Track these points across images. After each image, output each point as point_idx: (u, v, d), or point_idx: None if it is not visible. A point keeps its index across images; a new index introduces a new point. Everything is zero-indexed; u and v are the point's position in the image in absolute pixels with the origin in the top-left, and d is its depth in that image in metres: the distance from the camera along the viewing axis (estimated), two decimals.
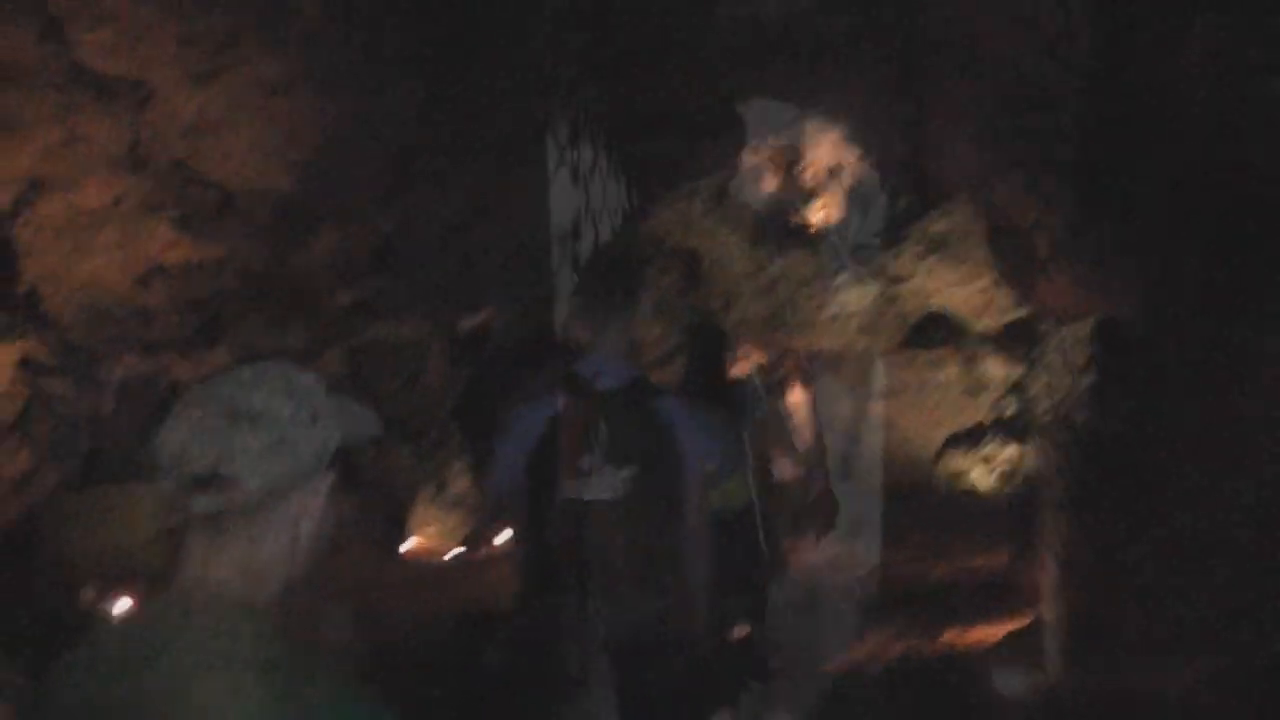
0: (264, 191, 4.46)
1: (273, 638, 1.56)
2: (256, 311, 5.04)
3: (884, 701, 5.97)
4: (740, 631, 5.15)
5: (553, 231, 6.09)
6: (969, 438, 8.48)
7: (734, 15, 5.47)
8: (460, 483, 8.61)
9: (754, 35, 5.63)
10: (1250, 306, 3.23)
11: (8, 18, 3.29)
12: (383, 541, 7.86)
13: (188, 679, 1.50)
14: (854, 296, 8.97)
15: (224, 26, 3.81)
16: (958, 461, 8.48)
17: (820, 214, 8.92)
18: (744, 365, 7.09)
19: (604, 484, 3.94)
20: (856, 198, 8.49)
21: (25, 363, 3.84)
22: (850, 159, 8.47)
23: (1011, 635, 5.99)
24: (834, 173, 8.59)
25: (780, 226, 9.03)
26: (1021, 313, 7.91)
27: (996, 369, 8.43)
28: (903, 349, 8.86)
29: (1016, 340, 8.18)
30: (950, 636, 6.50)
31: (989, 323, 8.43)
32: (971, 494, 8.34)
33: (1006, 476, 8.24)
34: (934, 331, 8.65)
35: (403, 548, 8.18)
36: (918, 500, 8.35)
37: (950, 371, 8.64)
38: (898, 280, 8.53)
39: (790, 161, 8.74)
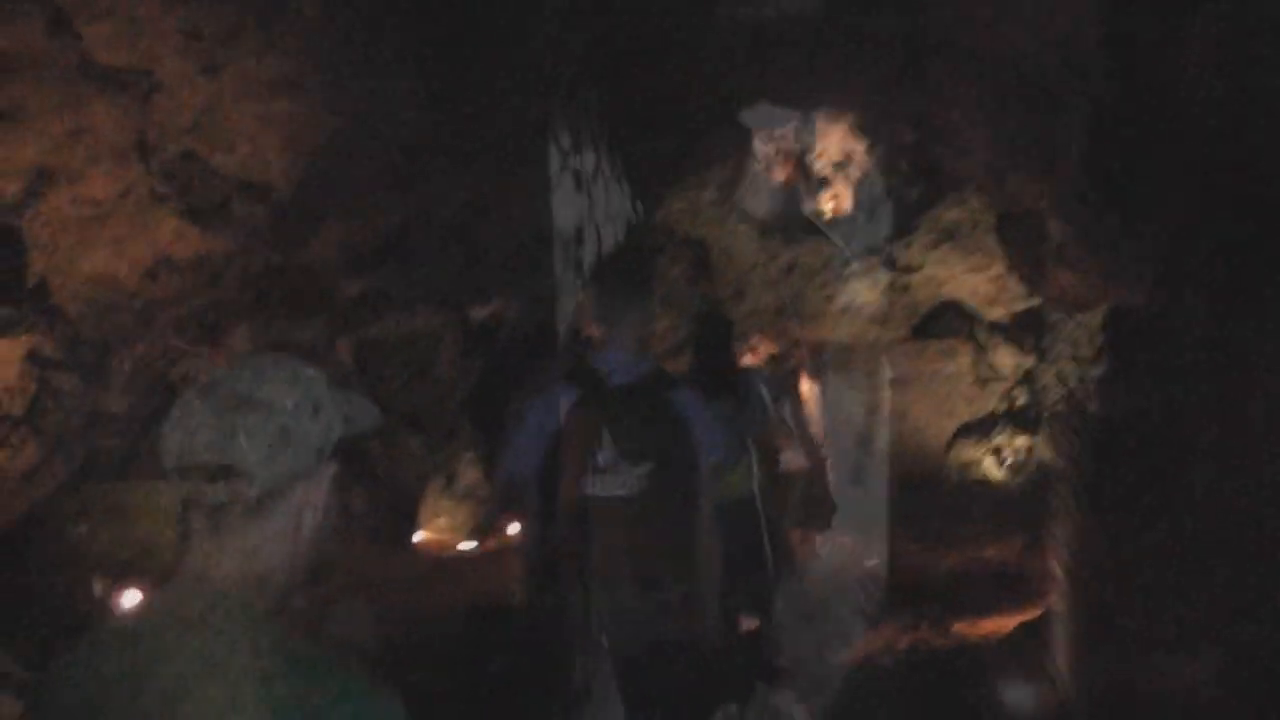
0: (271, 183, 4.45)
1: (278, 630, 1.56)
2: (265, 304, 5.04)
3: (894, 693, 5.96)
4: (749, 624, 5.14)
5: (558, 226, 6.08)
6: (980, 428, 8.47)
7: (734, 16, 5.47)
8: (470, 475, 8.61)
9: (754, 36, 5.62)
10: (1260, 296, 3.20)
11: (14, 9, 3.28)
12: (393, 534, 7.86)
13: (191, 673, 1.50)
14: (864, 287, 8.95)
15: (229, 19, 3.80)
16: (969, 451, 8.47)
17: (830, 204, 8.90)
18: (754, 356, 7.09)
19: (620, 481, 3.92)
20: (866, 188, 8.47)
21: (32, 356, 3.84)
22: (860, 149, 8.45)
23: (1022, 626, 5.98)
24: (844, 163, 8.56)
25: (790, 217, 9.02)
26: (1032, 302, 7.89)
27: (1007, 359, 8.40)
28: (913, 339, 8.84)
29: (1027, 330, 8.16)
30: (961, 628, 6.49)
31: (1000, 312, 8.41)
32: (983, 484, 8.33)
33: (1017, 466, 8.23)
34: (945, 321, 8.63)
35: (413, 539, 8.19)
36: (929, 490, 8.34)
37: (961, 361, 8.62)
38: (908, 270, 8.51)
39: (801, 152, 8.72)
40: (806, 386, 9.50)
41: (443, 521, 8.57)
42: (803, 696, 5.86)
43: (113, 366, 4.30)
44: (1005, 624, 6.29)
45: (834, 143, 8.58)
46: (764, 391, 5.29)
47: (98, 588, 4.23)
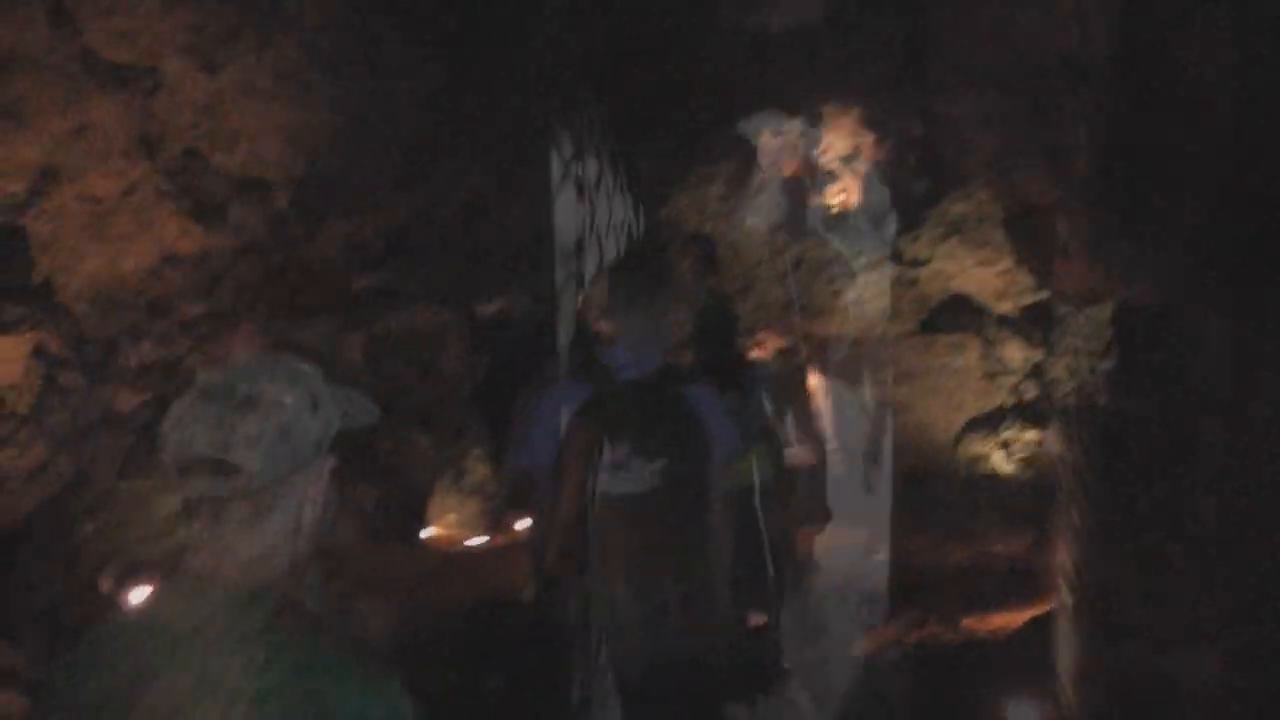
0: (274, 181, 4.46)
1: (283, 627, 1.57)
2: (271, 300, 5.04)
3: (902, 688, 5.95)
4: (757, 620, 5.13)
5: (561, 224, 6.06)
6: (989, 422, 8.44)
7: (736, 27, 5.48)
8: (479, 471, 8.61)
9: (755, 46, 5.64)
10: (1270, 292, 3.18)
11: (15, 4, 3.28)
12: (401, 530, 7.87)
13: (195, 671, 1.50)
14: (872, 281, 8.93)
15: (231, 17, 3.80)
16: (978, 446, 8.44)
17: (838, 198, 8.88)
18: (762, 351, 7.07)
19: (633, 477, 3.92)
20: (873, 182, 8.44)
21: (38, 354, 3.84)
22: (868, 143, 8.42)
23: (1031, 621, 5.96)
24: (851, 157, 8.54)
25: (797, 211, 9.00)
26: (1041, 296, 7.86)
27: (1016, 353, 8.37)
28: (921, 333, 8.81)
29: (1036, 324, 8.13)
30: (970, 623, 6.47)
31: (1008, 306, 8.37)
32: (991, 478, 8.30)
33: (1027, 461, 8.20)
34: (953, 315, 8.59)
35: (421, 535, 8.19)
36: (937, 484, 8.32)
37: (970, 355, 8.58)
38: (916, 264, 8.47)
39: (808, 146, 8.70)
40: (814, 381, 9.48)
41: (451, 518, 8.56)
42: (810, 693, 5.85)
43: (118, 364, 4.30)
44: (1014, 619, 6.27)
45: (841, 137, 8.55)
46: (768, 386, 5.28)
47: (105, 585, 4.23)
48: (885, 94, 6.19)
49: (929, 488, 8.22)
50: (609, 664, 4.31)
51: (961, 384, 8.56)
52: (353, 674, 1.55)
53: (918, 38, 5.09)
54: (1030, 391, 8.31)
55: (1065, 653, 4.86)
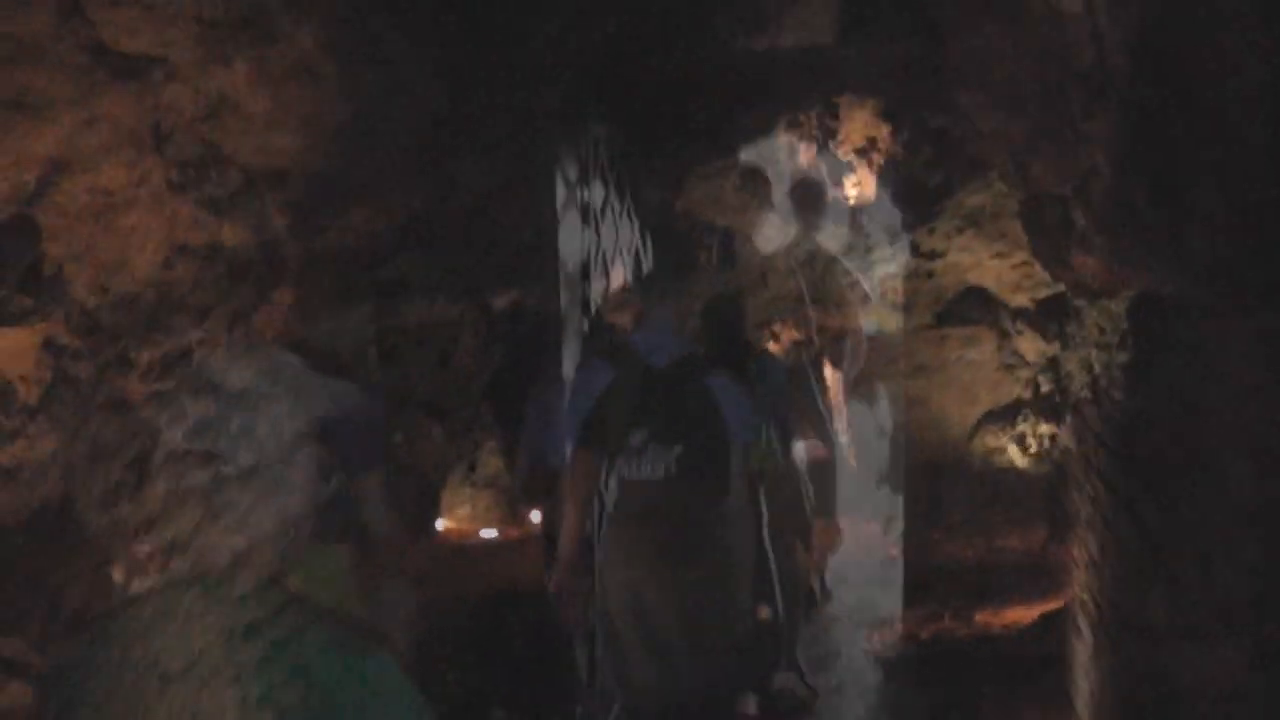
0: (287, 172, 4.45)
1: (282, 616, 1.58)
2: (283, 292, 5.04)
3: (917, 681, 5.94)
4: (763, 613, 5.14)
5: (564, 218, 6.04)
6: (1004, 415, 8.41)
7: (743, 49, 5.49)
8: (492, 464, 8.62)
9: (766, 67, 5.64)
10: None
11: None
12: (415, 522, 7.88)
13: (195, 659, 1.52)
14: (887, 274, 8.91)
15: (243, 5, 3.78)
16: (992, 439, 8.41)
17: (854, 190, 8.87)
18: (777, 344, 7.07)
19: (652, 463, 3.98)
20: (889, 173, 8.42)
21: (48, 345, 3.83)
22: (884, 134, 8.39)
23: (1044, 616, 5.94)
24: (867, 148, 8.51)
25: (813, 204, 8.99)
26: (1057, 288, 7.82)
27: (1031, 346, 8.34)
28: (937, 326, 8.78)
29: (1051, 317, 8.10)
30: (984, 617, 6.46)
31: (1024, 299, 8.34)
32: (1006, 471, 8.28)
33: (1042, 454, 8.17)
34: (968, 308, 8.56)
35: (435, 527, 8.21)
36: (952, 478, 8.30)
37: (985, 348, 8.55)
38: (931, 256, 8.45)
39: (823, 138, 8.68)
40: (829, 374, 9.47)
41: (464, 510, 8.59)
42: (821, 685, 5.85)
43: (130, 356, 4.30)
44: (1028, 613, 6.26)
45: (857, 128, 8.52)
46: (781, 379, 5.27)
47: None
48: (898, 85, 6.17)
49: (944, 481, 8.21)
50: (616, 655, 4.32)
51: (976, 377, 8.53)
52: (355, 661, 1.56)
53: (930, 57, 5.09)
54: (1046, 384, 8.29)
55: (1078, 648, 4.84)
